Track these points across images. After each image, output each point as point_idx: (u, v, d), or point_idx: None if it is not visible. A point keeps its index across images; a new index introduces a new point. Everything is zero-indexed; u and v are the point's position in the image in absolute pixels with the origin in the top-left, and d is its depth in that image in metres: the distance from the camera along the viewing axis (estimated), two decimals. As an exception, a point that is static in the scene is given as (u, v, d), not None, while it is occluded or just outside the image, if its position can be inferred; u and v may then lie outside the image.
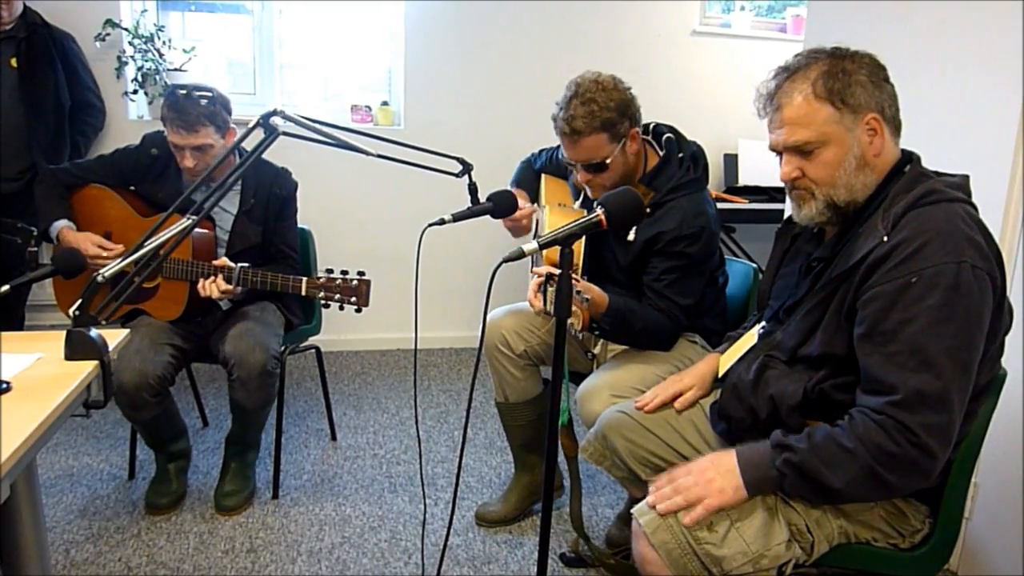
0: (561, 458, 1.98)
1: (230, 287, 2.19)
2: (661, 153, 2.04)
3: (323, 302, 2.19)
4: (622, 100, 1.92)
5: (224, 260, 2.22)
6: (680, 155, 2.02)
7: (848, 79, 1.33)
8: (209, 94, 2.24)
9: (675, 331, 2.02)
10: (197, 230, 2.19)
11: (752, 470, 1.34)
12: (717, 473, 1.35)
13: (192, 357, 2.41)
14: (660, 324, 1.96)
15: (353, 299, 2.18)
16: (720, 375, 1.65)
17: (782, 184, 1.45)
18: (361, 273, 2.20)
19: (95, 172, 2.42)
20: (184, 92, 2.23)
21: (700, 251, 1.95)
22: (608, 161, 1.93)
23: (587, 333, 2.14)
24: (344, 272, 2.20)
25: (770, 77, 1.42)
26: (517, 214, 2.18)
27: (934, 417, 1.22)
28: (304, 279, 2.19)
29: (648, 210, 1.95)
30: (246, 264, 2.23)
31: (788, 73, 1.39)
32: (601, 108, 1.88)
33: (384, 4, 3.74)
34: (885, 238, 1.29)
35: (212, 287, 2.18)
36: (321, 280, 2.19)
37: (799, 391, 1.39)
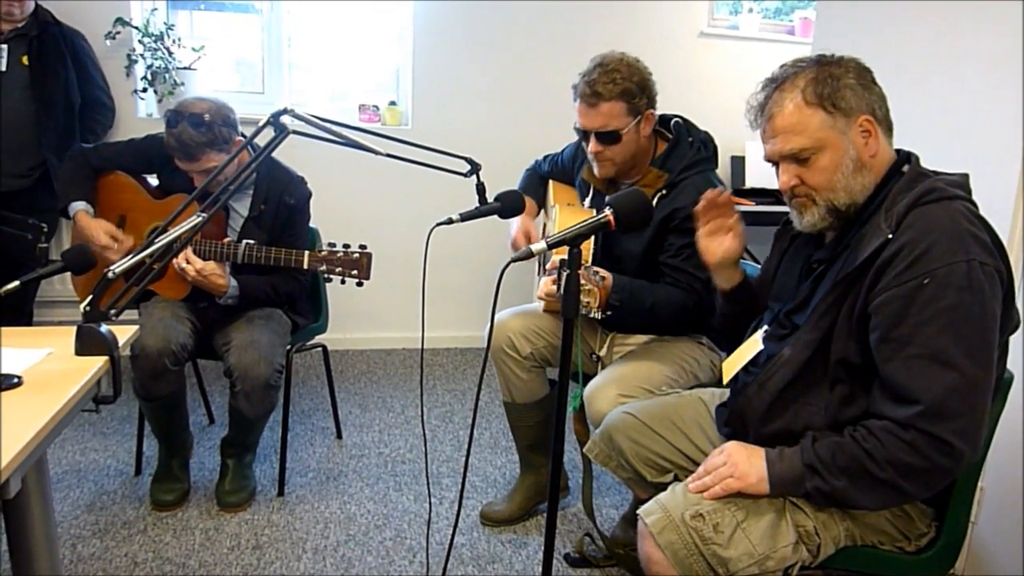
0: (567, 457, 1.98)
1: (202, 264, 2.19)
2: (671, 137, 2.07)
3: (325, 276, 2.22)
4: (643, 78, 1.98)
5: (222, 269, 2.24)
6: (690, 139, 2.05)
7: (836, 83, 1.35)
8: (207, 121, 2.18)
9: (693, 306, 1.96)
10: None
11: (780, 485, 1.35)
12: (750, 467, 1.37)
13: (203, 339, 2.41)
14: (675, 297, 1.95)
15: (354, 272, 2.20)
16: (725, 382, 1.65)
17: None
18: (363, 246, 2.21)
19: (124, 156, 2.45)
20: (181, 125, 2.16)
21: None
22: (622, 133, 1.95)
23: (602, 327, 2.14)
24: (346, 245, 2.21)
25: (758, 89, 1.44)
26: (519, 236, 2.19)
27: (963, 420, 1.22)
28: (306, 252, 2.22)
29: (663, 191, 1.99)
30: (251, 241, 2.25)
31: (776, 84, 1.41)
32: (624, 78, 1.94)
33: (393, 4, 3.75)
34: (890, 235, 1.29)
35: (182, 260, 2.17)
36: (323, 253, 2.21)
37: (816, 425, 1.38)
